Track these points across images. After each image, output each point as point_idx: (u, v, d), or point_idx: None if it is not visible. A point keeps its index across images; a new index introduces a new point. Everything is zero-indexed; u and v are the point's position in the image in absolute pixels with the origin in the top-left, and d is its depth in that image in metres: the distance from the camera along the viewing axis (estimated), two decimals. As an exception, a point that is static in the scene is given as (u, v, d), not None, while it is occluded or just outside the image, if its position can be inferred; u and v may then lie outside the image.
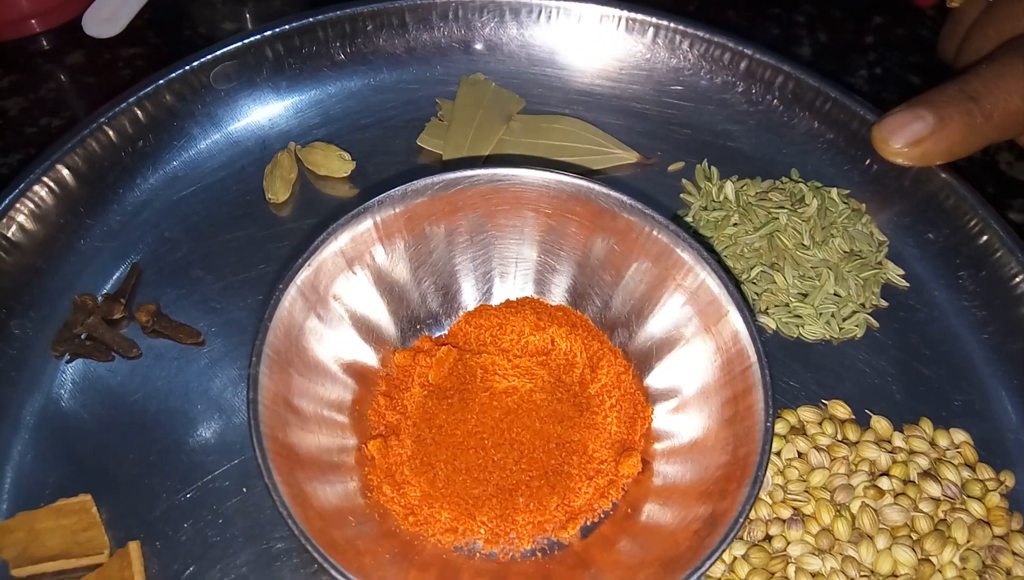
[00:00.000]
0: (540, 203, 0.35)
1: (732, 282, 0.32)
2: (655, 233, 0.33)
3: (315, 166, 0.42)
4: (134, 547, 0.31)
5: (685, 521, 0.30)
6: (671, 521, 0.31)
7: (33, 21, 0.50)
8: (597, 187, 0.34)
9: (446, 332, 0.37)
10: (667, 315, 0.34)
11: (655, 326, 0.35)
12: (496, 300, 0.38)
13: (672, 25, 0.45)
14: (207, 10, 0.52)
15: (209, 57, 0.42)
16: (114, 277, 0.38)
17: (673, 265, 0.33)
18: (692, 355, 0.34)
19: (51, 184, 0.38)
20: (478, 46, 0.46)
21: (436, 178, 0.34)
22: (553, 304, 0.38)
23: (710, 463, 0.31)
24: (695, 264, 0.33)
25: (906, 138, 0.36)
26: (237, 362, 0.36)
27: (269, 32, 0.43)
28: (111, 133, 0.40)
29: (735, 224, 0.40)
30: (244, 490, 0.33)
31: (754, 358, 0.31)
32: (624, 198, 0.33)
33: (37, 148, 0.45)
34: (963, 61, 0.40)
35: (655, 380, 0.35)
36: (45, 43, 0.50)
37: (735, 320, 0.32)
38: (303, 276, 0.32)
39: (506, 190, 0.35)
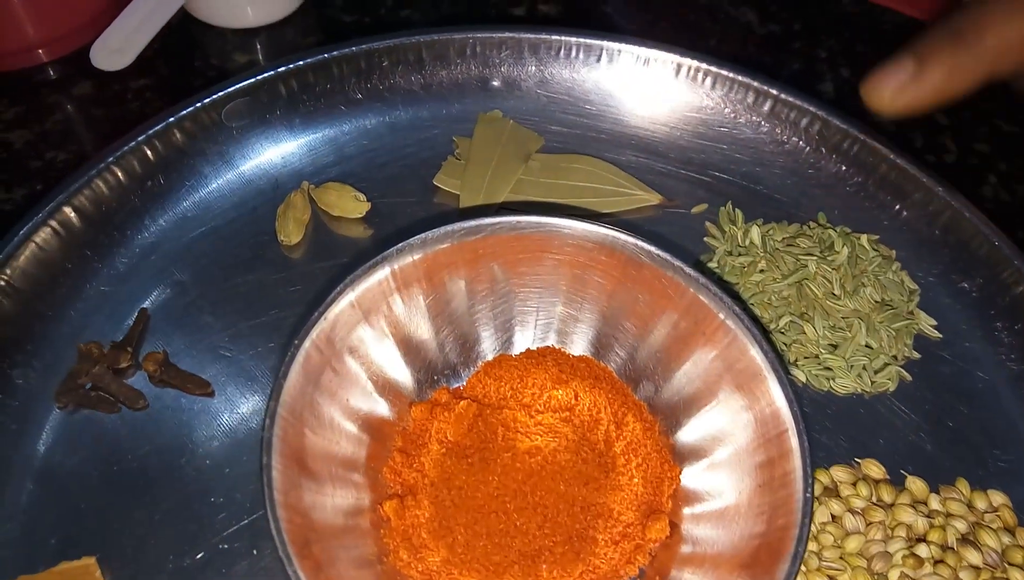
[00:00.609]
0: (563, 251, 0.34)
1: (766, 339, 0.31)
2: (684, 285, 0.32)
3: (329, 207, 0.41)
4: (139, 615, 0.30)
5: (718, 593, 0.29)
6: (703, 591, 0.30)
7: (40, 51, 0.49)
8: (623, 236, 0.32)
9: (464, 383, 0.36)
10: (695, 371, 0.33)
11: (682, 381, 0.34)
12: (516, 349, 0.37)
13: (694, 63, 0.44)
14: (218, 40, 0.51)
15: (221, 94, 0.41)
16: (121, 323, 0.37)
17: (703, 319, 0.32)
18: (722, 413, 0.32)
19: (56, 226, 0.37)
20: (495, 83, 0.45)
21: (456, 226, 0.33)
22: (575, 354, 0.36)
23: (744, 532, 0.30)
24: (726, 319, 0.31)
25: (891, 89, 0.34)
26: (247, 414, 0.35)
27: (283, 68, 0.42)
28: (119, 173, 0.39)
29: (762, 270, 0.39)
30: (255, 552, 0.32)
31: (790, 423, 0.29)
32: (652, 248, 0.32)
33: (42, 183, 0.44)
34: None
35: (683, 437, 0.34)
36: (52, 73, 0.49)
37: (769, 381, 0.30)
38: (318, 331, 0.31)
39: (529, 238, 0.34)
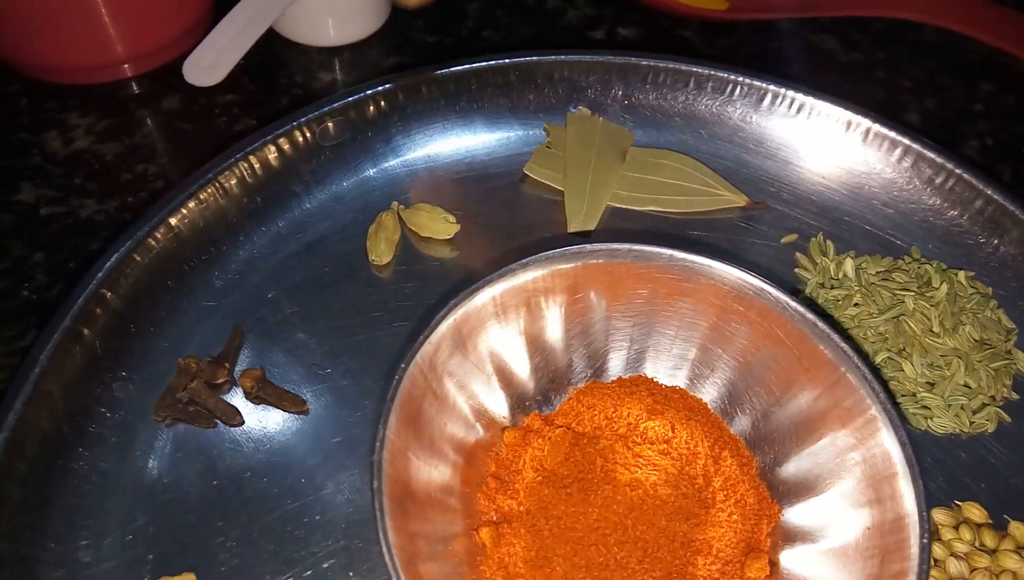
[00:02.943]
0: (686, 288, 0.34)
1: (876, 377, 0.30)
2: (783, 317, 0.31)
3: (419, 228, 0.41)
4: (239, 634, 0.30)
5: (829, 638, 0.28)
6: (810, 635, 0.29)
7: (126, 65, 0.50)
8: (774, 291, 0.32)
9: (555, 409, 0.36)
10: (797, 407, 0.33)
11: (783, 418, 0.33)
12: (607, 377, 0.36)
13: (782, 90, 0.44)
14: (302, 58, 0.52)
15: (314, 114, 0.41)
16: (218, 339, 0.37)
17: (809, 355, 0.32)
18: (827, 452, 0.32)
19: (155, 242, 0.37)
20: (582, 106, 0.45)
21: (566, 250, 0.33)
22: (667, 385, 0.36)
23: (853, 575, 0.29)
24: (831, 355, 0.31)
25: None
26: (341, 433, 0.35)
27: (371, 90, 0.43)
28: (216, 191, 0.39)
29: (857, 304, 0.38)
30: (350, 574, 0.32)
31: (902, 466, 0.29)
32: (810, 316, 0.31)
33: (132, 195, 0.45)
34: None
35: (783, 474, 0.33)
36: (140, 87, 0.50)
37: (880, 420, 0.30)
38: (422, 354, 0.31)
39: (631, 266, 0.33)
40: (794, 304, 0.32)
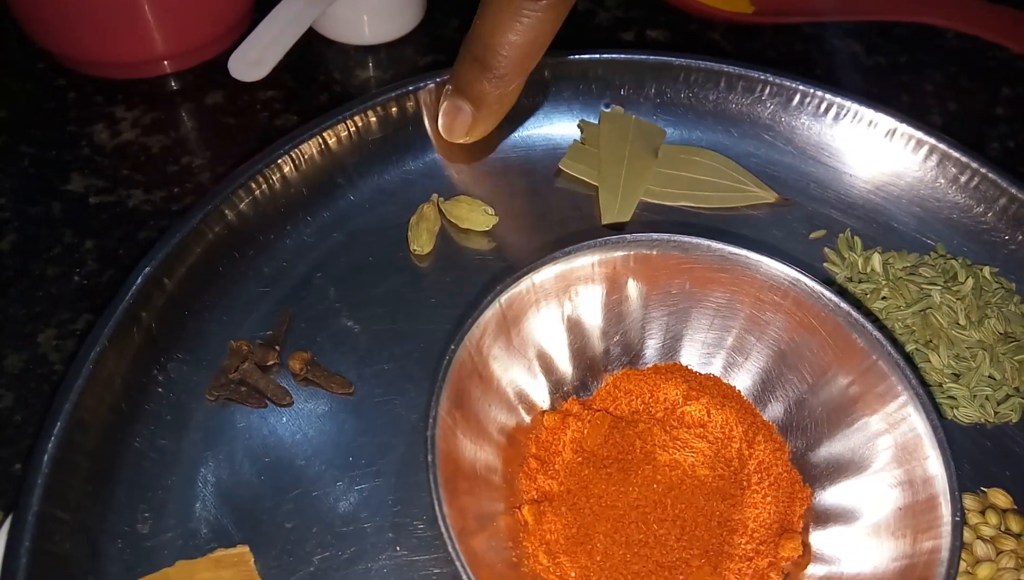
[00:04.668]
0: (725, 277, 0.35)
1: (907, 363, 0.31)
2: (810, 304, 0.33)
3: (458, 219, 0.42)
4: (293, 603, 0.31)
5: (863, 613, 0.29)
6: (844, 611, 0.30)
7: (166, 63, 0.52)
8: (809, 281, 0.33)
9: (591, 395, 0.37)
10: (828, 394, 0.34)
11: (815, 404, 0.34)
12: (642, 364, 0.37)
13: (811, 90, 0.45)
14: (340, 56, 0.53)
15: (358, 109, 0.43)
16: (266, 323, 0.38)
17: (843, 341, 0.33)
18: (858, 436, 0.33)
19: (207, 230, 0.39)
20: (616, 104, 0.46)
21: (608, 239, 0.34)
22: (702, 373, 0.37)
23: (885, 554, 0.30)
24: (864, 344, 0.32)
25: (462, 132, 0.38)
26: (386, 415, 0.36)
27: (413, 86, 0.44)
28: (264, 181, 0.41)
29: (884, 298, 0.39)
30: (397, 548, 0.33)
31: (934, 448, 0.30)
32: (845, 306, 0.33)
33: (179, 186, 0.46)
34: None
35: (814, 459, 0.34)
36: (184, 83, 0.51)
37: (911, 405, 0.31)
38: (471, 336, 0.32)
39: (672, 257, 0.35)
40: (829, 294, 0.33)
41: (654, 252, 0.35)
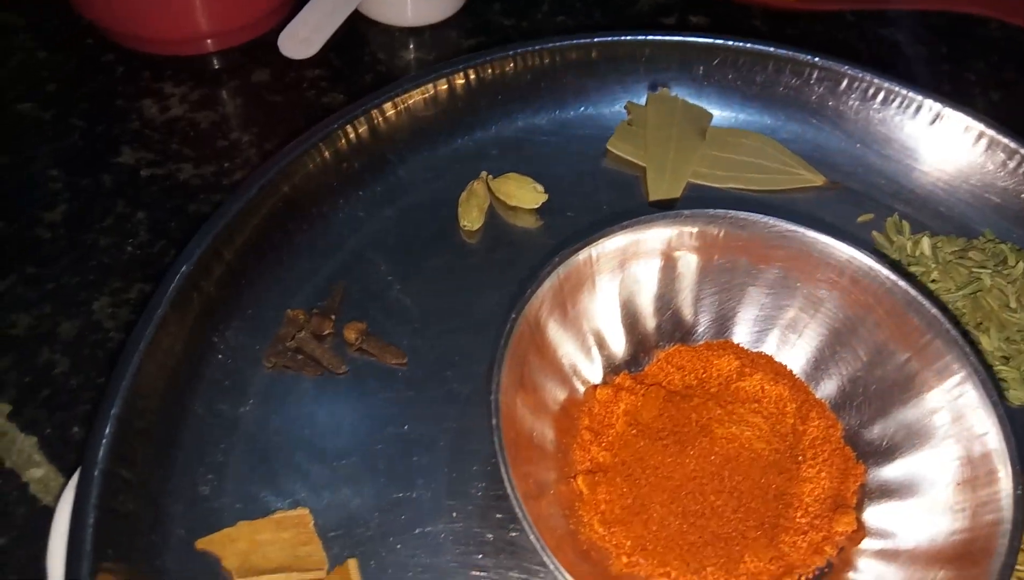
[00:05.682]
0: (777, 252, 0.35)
1: (964, 339, 0.32)
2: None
3: (507, 197, 0.42)
4: (353, 565, 0.31)
5: (921, 586, 0.29)
6: (901, 584, 0.30)
7: (209, 41, 0.52)
8: (866, 259, 0.33)
9: (642, 370, 0.37)
10: (884, 371, 0.34)
11: (869, 381, 0.34)
12: (693, 340, 0.38)
13: (860, 74, 0.45)
14: (384, 37, 0.54)
15: (408, 87, 0.43)
16: (320, 294, 0.38)
17: (902, 318, 0.33)
18: (914, 413, 0.33)
19: (263, 202, 0.39)
20: (662, 86, 0.47)
21: (665, 214, 0.35)
22: (754, 350, 0.37)
23: (943, 528, 0.30)
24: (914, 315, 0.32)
25: None
26: (439, 386, 0.36)
27: (462, 66, 0.44)
28: (318, 155, 0.41)
29: (935, 281, 0.40)
30: (454, 515, 0.33)
31: (994, 423, 0.30)
32: (902, 283, 0.33)
33: (228, 161, 0.47)
34: None
35: (868, 435, 0.34)
36: (229, 61, 0.52)
37: (971, 382, 0.31)
38: (530, 307, 0.32)
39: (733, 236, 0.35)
40: (886, 272, 0.33)
41: (711, 228, 0.35)
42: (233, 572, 0.31)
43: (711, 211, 0.35)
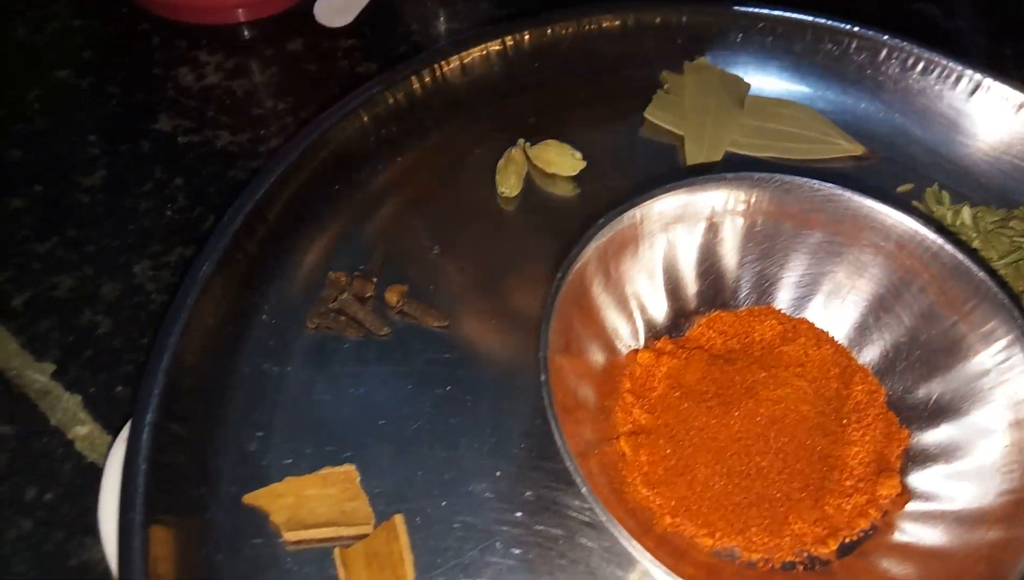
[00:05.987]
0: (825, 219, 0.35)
1: (1015, 303, 0.31)
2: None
3: (545, 164, 0.42)
4: (399, 520, 0.32)
5: (969, 546, 0.29)
6: (947, 545, 0.30)
7: (240, 11, 0.52)
8: (912, 222, 0.33)
9: (683, 335, 0.37)
10: (928, 336, 0.34)
11: (913, 346, 0.34)
12: (733, 306, 0.38)
13: (897, 42, 0.45)
14: (418, 8, 0.54)
15: (450, 52, 0.43)
16: (361, 258, 0.39)
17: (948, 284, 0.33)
18: (960, 378, 0.33)
19: (304, 165, 0.39)
20: (699, 55, 0.46)
21: (709, 177, 0.35)
22: (796, 317, 0.37)
23: (991, 489, 0.30)
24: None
25: None
26: (481, 347, 0.36)
27: (501, 32, 0.44)
28: (357, 120, 0.41)
29: (976, 250, 0.39)
30: (497, 474, 0.33)
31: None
32: (949, 246, 0.33)
33: (264, 128, 0.47)
34: None
35: (911, 401, 0.34)
36: (261, 31, 0.52)
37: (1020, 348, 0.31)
38: (575, 269, 0.32)
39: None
40: (933, 235, 0.33)
41: (756, 191, 0.35)
42: (281, 526, 0.31)
43: (757, 174, 0.35)
